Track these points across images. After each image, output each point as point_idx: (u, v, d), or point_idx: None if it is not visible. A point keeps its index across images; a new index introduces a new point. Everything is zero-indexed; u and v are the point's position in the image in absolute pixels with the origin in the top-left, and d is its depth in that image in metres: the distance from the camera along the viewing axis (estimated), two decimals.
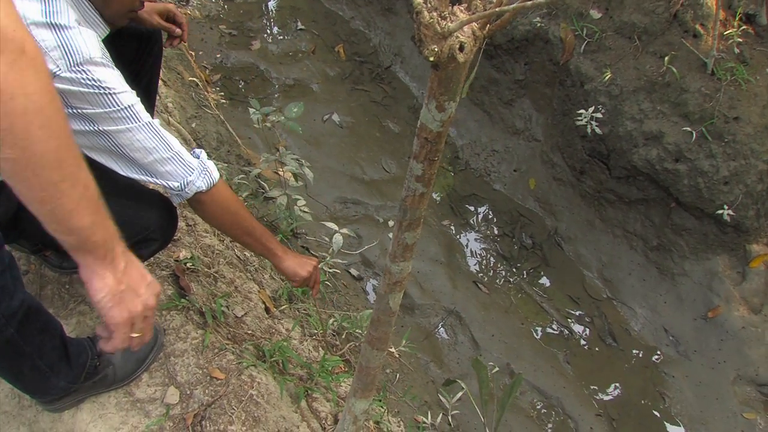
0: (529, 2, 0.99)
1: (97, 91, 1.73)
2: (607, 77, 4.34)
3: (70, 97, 1.72)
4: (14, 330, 1.73)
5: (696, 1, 4.23)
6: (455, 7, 1.13)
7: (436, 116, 1.22)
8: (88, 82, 1.71)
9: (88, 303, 2.62)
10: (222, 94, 5.46)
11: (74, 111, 1.75)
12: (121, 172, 1.91)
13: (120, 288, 1.30)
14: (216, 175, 2.05)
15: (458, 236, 4.84)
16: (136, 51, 2.54)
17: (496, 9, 1.06)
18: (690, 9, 4.24)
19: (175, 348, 2.52)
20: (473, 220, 4.98)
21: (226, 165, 3.99)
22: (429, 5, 1.09)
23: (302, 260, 2.38)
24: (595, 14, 4.54)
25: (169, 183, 1.96)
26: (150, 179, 1.95)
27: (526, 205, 5.03)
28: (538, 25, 4.72)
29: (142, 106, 1.87)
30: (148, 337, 1.43)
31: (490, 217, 5.02)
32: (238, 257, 3.32)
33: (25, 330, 1.78)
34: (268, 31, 6.54)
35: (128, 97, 1.81)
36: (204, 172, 2.01)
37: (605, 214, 4.70)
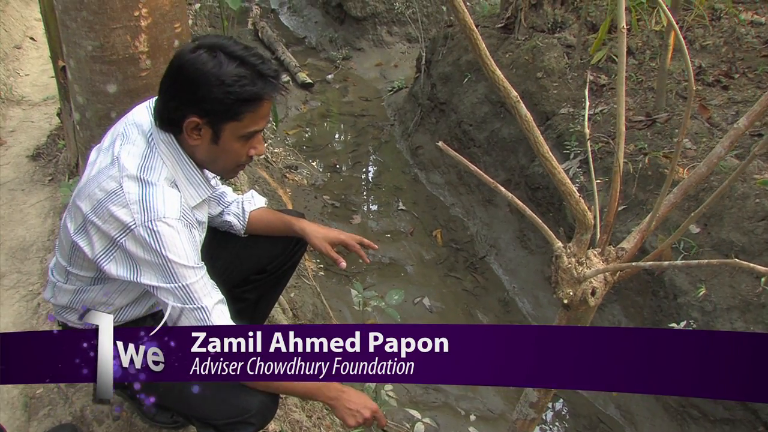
0: (666, 263, 1.07)
1: (157, 260, 1.79)
2: (701, 293, 4.34)
3: (141, 264, 1.81)
4: None
5: None
6: (590, 251, 1.22)
7: None
8: (153, 243, 1.77)
9: None
10: (321, 265, 5.63)
11: (140, 281, 1.83)
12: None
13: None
14: None
15: None
16: (280, 251, 2.69)
17: (632, 264, 1.15)
18: None
19: None
20: (550, 418, 4.91)
21: None
22: (568, 250, 1.19)
23: (349, 411, 2.12)
24: (694, 229, 4.60)
25: None
26: None
27: (607, 411, 4.93)
28: None
29: (205, 284, 1.89)
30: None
31: (568, 418, 4.94)
32: None
33: None
34: (370, 207, 6.77)
35: (189, 273, 1.84)
36: None
37: (688, 429, 4.57)
